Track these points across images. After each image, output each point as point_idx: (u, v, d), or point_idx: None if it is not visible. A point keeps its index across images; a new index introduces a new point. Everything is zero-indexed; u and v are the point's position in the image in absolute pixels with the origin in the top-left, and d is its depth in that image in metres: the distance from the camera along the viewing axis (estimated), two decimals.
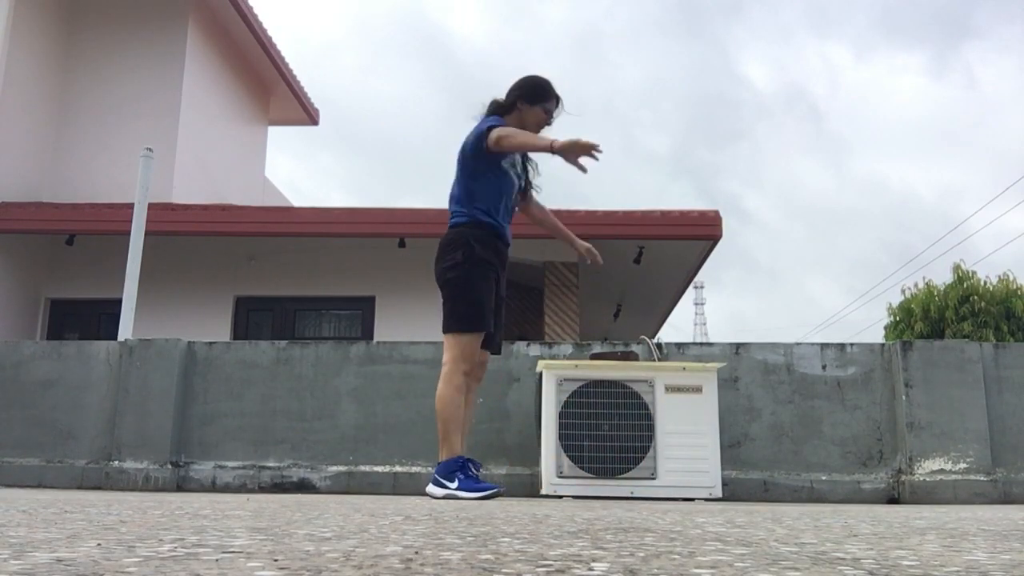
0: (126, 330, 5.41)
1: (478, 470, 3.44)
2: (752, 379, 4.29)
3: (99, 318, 9.73)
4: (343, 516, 1.98)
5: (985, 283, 18.52)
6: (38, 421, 4.51)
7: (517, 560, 1.09)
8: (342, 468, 4.32)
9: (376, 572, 0.96)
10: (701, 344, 4.49)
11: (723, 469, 3.87)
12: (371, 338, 9.38)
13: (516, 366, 4.39)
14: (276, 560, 1.05)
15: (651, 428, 3.78)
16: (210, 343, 4.60)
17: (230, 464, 4.37)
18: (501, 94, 3.71)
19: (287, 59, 12.83)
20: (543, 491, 3.76)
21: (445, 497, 3.25)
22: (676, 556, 1.16)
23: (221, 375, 4.51)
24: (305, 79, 14.20)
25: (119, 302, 5.59)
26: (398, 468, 4.30)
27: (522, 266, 8.51)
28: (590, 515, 2.15)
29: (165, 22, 10.69)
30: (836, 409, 4.25)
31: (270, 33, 12.04)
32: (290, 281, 9.84)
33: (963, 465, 4.05)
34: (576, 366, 3.90)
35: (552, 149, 3.31)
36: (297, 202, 14.65)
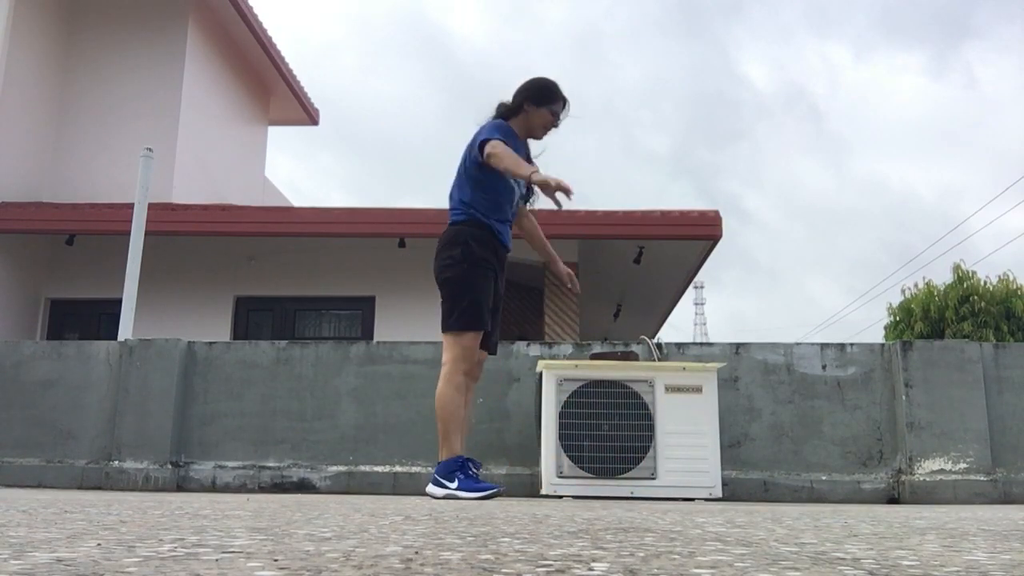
0: (126, 330, 5.42)
1: (478, 470, 3.44)
2: (752, 379, 4.29)
3: (99, 318, 9.73)
4: (343, 516, 1.98)
5: (985, 283, 18.52)
6: (38, 421, 4.51)
7: (517, 560, 1.09)
8: (342, 468, 4.32)
9: (376, 572, 0.96)
10: (701, 344, 4.49)
11: (723, 469, 3.87)
12: (371, 338, 9.38)
13: (516, 366, 4.39)
14: (276, 560, 1.05)
15: (651, 428, 3.78)
16: (210, 343, 4.60)
17: (230, 464, 4.37)
18: (501, 94, 3.71)
19: (287, 59, 12.84)
20: (543, 491, 3.76)
21: (445, 497, 3.25)
22: (676, 556, 1.16)
23: (221, 375, 4.51)
24: (305, 79, 14.21)
25: (119, 302, 5.59)
26: (398, 468, 4.30)
27: (522, 266, 8.50)
28: (590, 515, 2.15)
29: (165, 22, 10.69)
30: (836, 409, 4.25)
31: (270, 33, 12.05)
32: (290, 281, 9.84)
33: (963, 465, 4.05)
34: (576, 366, 3.90)
35: (530, 180, 3.32)
36: (297, 202, 14.66)
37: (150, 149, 6.09)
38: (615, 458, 3.75)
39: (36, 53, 10.08)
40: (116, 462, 4.34)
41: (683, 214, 9.20)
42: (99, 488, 4.29)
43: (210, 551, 1.15)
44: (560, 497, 3.66)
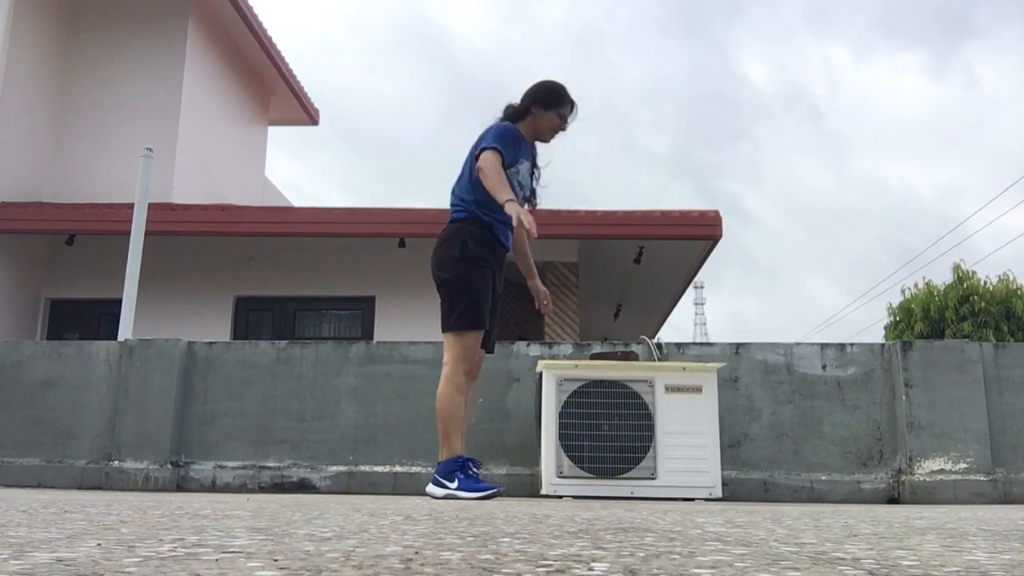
0: (126, 330, 5.42)
1: (478, 470, 3.44)
2: (752, 379, 4.30)
3: (99, 318, 9.73)
4: (343, 516, 1.98)
5: (985, 283, 18.52)
6: (38, 421, 4.51)
7: (517, 560, 1.09)
8: (342, 468, 4.32)
9: (376, 572, 0.96)
10: (701, 344, 4.49)
11: (723, 469, 3.87)
12: (371, 338, 9.38)
13: (516, 366, 4.39)
14: (276, 560, 1.05)
15: (651, 428, 3.78)
16: (210, 343, 4.60)
17: (230, 464, 4.37)
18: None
19: (287, 59, 12.84)
20: (543, 491, 3.76)
21: (445, 497, 3.26)
22: (676, 556, 1.16)
23: (221, 375, 4.51)
24: (305, 79, 14.22)
25: (119, 302, 5.59)
26: (398, 468, 4.30)
27: None
28: (590, 515, 2.15)
29: (165, 22, 10.69)
30: (836, 409, 4.25)
31: (270, 33, 12.05)
32: (290, 281, 9.84)
33: (963, 465, 4.05)
34: (576, 366, 3.90)
35: (503, 208, 3.34)
36: (297, 202, 14.66)
37: (150, 149, 6.09)
38: (615, 458, 3.76)
39: (36, 53, 10.08)
40: (116, 462, 4.34)
41: (683, 214, 9.20)
42: (99, 488, 4.29)
43: (210, 551, 1.15)
44: (560, 497, 3.66)
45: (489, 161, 3.43)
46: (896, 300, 20.52)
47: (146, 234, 5.86)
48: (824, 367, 4.30)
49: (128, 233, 5.79)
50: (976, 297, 18.04)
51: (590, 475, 3.74)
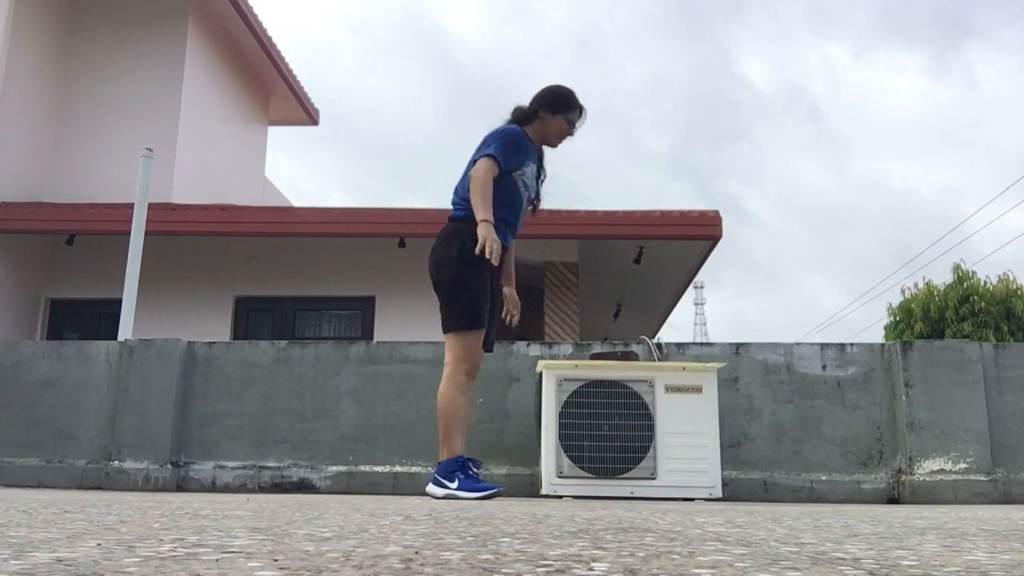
0: (126, 330, 5.42)
1: (478, 470, 3.44)
2: (752, 379, 4.30)
3: (99, 318, 9.73)
4: (343, 516, 1.98)
5: (985, 283, 18.52)
6: (38, 421, 4.51)
7: (517, 560, 1.09)
8: (342, 468, 4.32)
9: (376, 572, 0.96)
10: (701, 344, 4.49)
11: (723, 469, 3.87)
12: (371, 338, 9.38)
13: (516, 366, 4.39)
14: (276, 560, 1.05)
15: (651, 428, 3.78)
16: (210, 343, 4.60)
17: (230, 464, 4.37)
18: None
19: (287, 59, 12.84)
20: (543, 491, 3.76)
21: (445, 497, 3.26)
22: (676, 556, 1.16)
23: (221, 375, 4.51)
24: (305, 79, 14.22)
25: (119, 302, 5.59)
26: (398, 468, 4.30)
27: (522, 266, 8.49)
28: (590, 515, 2.15)
29: (165, 22, 10.69)
30: (836, 409, 4.25)
31: (270, 33, 12.05)
32: (290, 281, 9.84)
33: (963, 465, 4.05)
34: (576, 366, 3.90)
35: (476, 224, 3.35)
36: (297, 202, 14.66)
37: (150, 149, 6.09)
38: (615, 458, 3.76)
39: (36, 53, 10.08)
40: (116, 462, 4.34)
41: (683, 214, 9.20)
42: (99, 488, 4.29)
43: (210, 551, 1.15)
44: (560, 497, 3.66)
45: (481, 171, 3.44)
46: (896, 300, 20.54)
47: (146, 234, 5.86)
48: (824, 367, 4.30)
49: (128, 233, 5.79)
50: (976, 297, 18.04)
51: (590, 475, 3.74)
